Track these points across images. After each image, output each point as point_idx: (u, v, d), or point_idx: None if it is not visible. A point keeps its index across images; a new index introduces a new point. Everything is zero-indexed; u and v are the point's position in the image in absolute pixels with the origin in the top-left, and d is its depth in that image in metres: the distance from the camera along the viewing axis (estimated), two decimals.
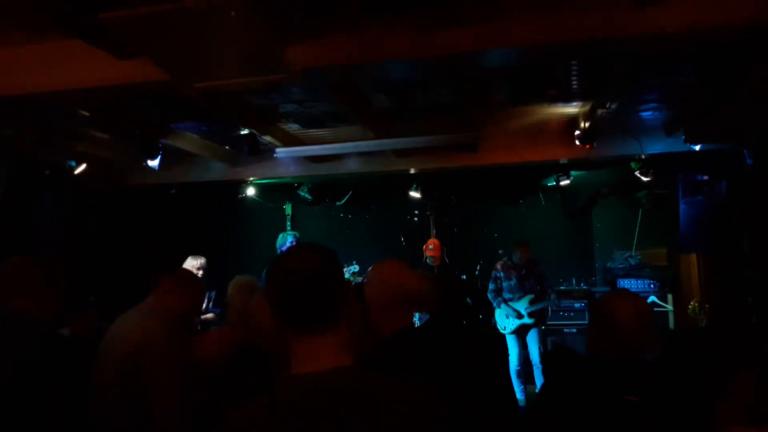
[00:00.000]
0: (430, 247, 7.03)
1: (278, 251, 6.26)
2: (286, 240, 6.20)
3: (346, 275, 6.28)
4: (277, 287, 1.30)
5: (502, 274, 6.30)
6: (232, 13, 2.41)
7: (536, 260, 6.38)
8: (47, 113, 4.64)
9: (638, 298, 2.13)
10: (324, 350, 1.26)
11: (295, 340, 1.28)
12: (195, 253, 5.39)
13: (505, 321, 6.20)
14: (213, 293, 5.37)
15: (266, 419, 1.20)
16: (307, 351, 1.26)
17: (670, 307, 6.58)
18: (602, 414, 1.82)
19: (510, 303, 6.16)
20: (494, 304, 6.28)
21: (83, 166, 5.78)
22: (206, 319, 5.14)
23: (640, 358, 1.98)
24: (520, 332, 6.16)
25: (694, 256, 6.51)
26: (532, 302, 6.14)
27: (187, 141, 5.61)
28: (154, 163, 5.43)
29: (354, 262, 6.23)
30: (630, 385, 1.89)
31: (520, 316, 6.09)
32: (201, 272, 5.26)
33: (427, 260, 6.94)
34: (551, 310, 6.80)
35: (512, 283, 6.23)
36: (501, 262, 6.37)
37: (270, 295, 1.31)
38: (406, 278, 2.00)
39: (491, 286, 6.33)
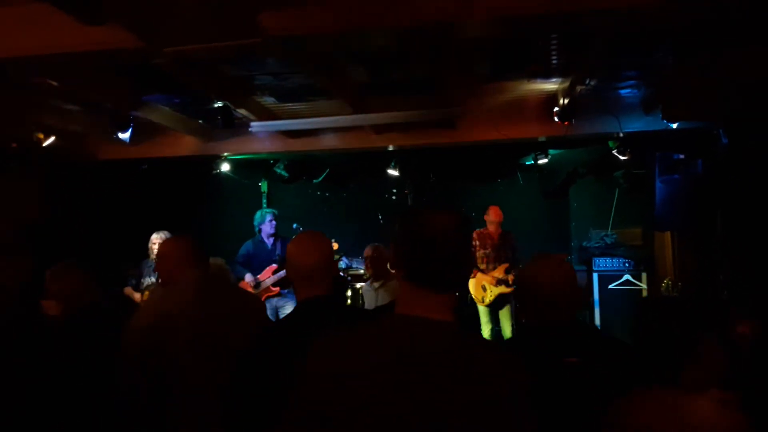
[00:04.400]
0: None
1: (256, 229, 6.19)
2: (264, 218, 6.10)
3: None
4: (416, 242, 1.32)
5: (477, 242, 6.16)
6: None
7: (509, 232, 6.29)
8: (12, 83, 4.46)
9: (557, 257, 2.14)
10: (434, 304, 1.30)
11: (412, 288, 1.32)
12: (168, 230, 5.29)
13: (481, 293, 6.07)
14: None
15: (359, 347, 1.27)
16: (420, 300, 1.31)
17: (644, 285, 6.67)
18: (544, 378, 1.82)
19: (487, 273, 6.02)
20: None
21: (52, 139, 5.60)
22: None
23: (571, 317, 1.99)
24: (496, 304, 6.05)
25: (668, 235, 6.59)
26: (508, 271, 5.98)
27: (160, 113, 5.45)
28: (125, 136, 5.28)
29: (333, 240, 6.16)
30: (568, 347, 1.89)
31: (499, 282, 5.97)
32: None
33: None
34: None
35: (487, 251, 6.12)
36: (477, 231, 6.23)
37: (402, 246, 1.34)
38: (300, 253, 2.01)
39: None
